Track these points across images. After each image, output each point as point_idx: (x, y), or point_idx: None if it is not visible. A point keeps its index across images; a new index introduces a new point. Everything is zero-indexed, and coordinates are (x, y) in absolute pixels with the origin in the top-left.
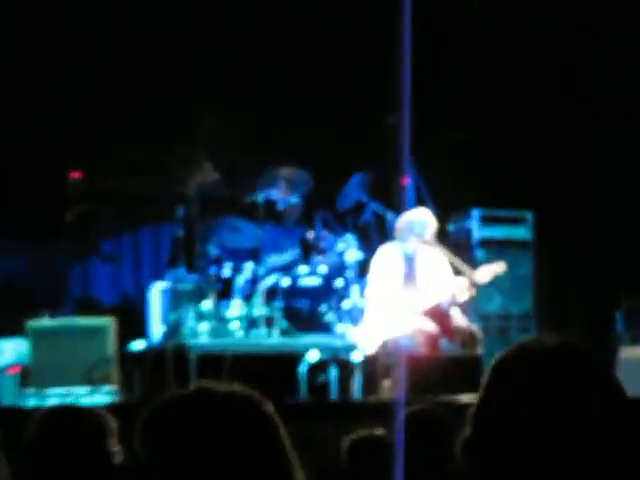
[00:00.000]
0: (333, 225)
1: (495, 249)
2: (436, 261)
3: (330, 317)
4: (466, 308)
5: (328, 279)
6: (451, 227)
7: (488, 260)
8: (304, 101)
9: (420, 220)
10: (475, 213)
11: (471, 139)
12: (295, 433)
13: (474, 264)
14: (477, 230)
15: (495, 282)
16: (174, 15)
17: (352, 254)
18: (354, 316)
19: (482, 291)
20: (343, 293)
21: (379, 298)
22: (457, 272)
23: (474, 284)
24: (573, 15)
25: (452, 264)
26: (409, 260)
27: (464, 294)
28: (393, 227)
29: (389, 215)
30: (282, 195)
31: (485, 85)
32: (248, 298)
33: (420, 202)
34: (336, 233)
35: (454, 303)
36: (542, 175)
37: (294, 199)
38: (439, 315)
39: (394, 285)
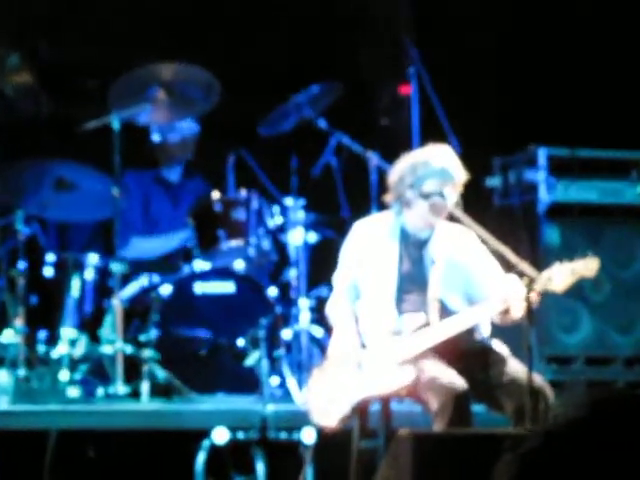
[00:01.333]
0: (260, 178)
1: (581, 226)
2: (466, 250)
3: (254, 359)
4: (524, 340)
5: (249, 284)
6: (494, 182)
7: (567, 249)
8: None
9: (434, 168)
10: (541, 155)
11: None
12: None
13: (540, 257)
14: (546, 189)
15: (582, 292)
16: None
17: (297, 236)
18: (300, 356)
19: (556, 309)
20: (280, 311)
21: (351, 320)
22: (507, 271)
23: (539, 294)
24: None
25: (496, 255)
26: (413, 249)
27: (517, 312)
28: (380, 183)
29: (373, 159)
30: (159, 118)
31: None
32: (91, 322)
33: (433, 134)
34: (265, 195)
35: (499, 328)
36: None
37: (184, 127)
38: (468, 354)
39: (382, 297)
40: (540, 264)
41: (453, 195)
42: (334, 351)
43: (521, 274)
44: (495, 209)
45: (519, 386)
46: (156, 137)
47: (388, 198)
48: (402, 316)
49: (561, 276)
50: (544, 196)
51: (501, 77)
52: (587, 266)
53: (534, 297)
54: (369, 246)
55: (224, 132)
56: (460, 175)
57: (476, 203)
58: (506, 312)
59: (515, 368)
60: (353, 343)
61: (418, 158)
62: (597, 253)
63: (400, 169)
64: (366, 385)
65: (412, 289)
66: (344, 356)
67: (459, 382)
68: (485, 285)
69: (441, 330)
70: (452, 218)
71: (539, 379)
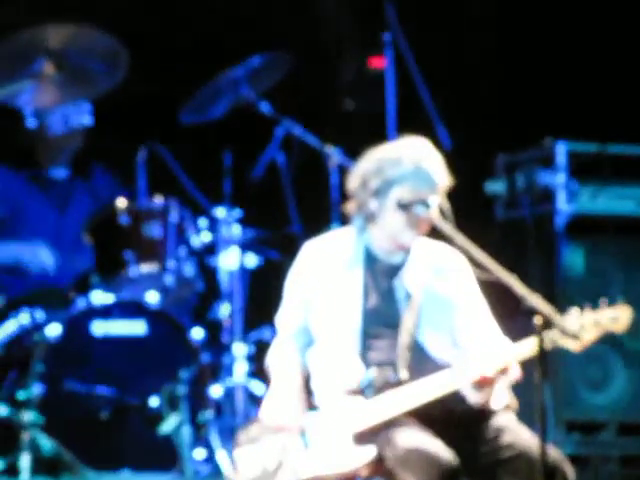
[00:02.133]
0: (181, 182)
1: (613, 246)
2: (453, 281)
3: (172, 424)
4: (536, 400)
5: (166, 324)
6: (496, 187)
7: (593, 277)
8: None
9: (407, 169)
10: (560, 151)
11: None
12: None
13: (558, 288)
14: (566, 197)
15: (615, 337)
16: None
17: (230, 259)
18: (234, 420)
19: (581, 358)
20: (207, 360)
21: (296, 373)
22: (509, 311)
23: (555, 344)
24: None
25: (498, 288)
26: (383, 277)
27: (497, 394)
28: (343, 189)
29: (333, 155)
30: (45, 99)
31: None
32: None
33: (414, 123)
34: (189, 204)
35: (497, 390)
36: None
37: (72, 110)
38: (459, 418)
39: (341, 343)
40: (557, 298)
41: (435, 204)
42: (269, 414)
43: (531, 312)
44: (498, 223)
45: (528, 463)
46: (31, 123)
47: (349, 209)
48: (368, 370)
49: (585, 323)
50: (564, 206)
51: (505, 55)
52: (616, 317)
53: (547, 343)
54: (324, 275)
55: (133, 119)
56: (443, 179)
57: (472, 215)
58: (482, 385)
59: (523, 438)
60: (295, 405)
61: (386, 155)
62: (634, 282)
63: (362, 171)
64: (312, 463)
65: (381, 332)
66: (283, 422)
67: (446, 454)
68: (465, 336)
69: (420, 390)
70: (436, 234)
71: (556, 453)
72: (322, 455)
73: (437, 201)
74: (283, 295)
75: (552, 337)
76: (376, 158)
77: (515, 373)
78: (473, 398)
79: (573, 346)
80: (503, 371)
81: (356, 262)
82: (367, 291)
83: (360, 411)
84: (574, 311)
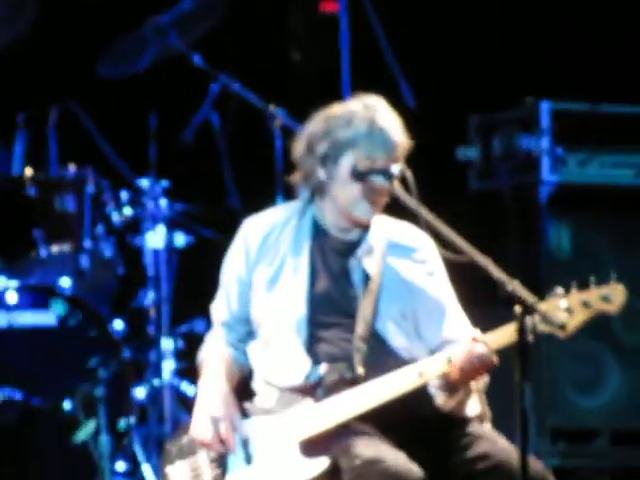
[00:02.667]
0: (99, 146)
1: (603, 222)
2: (419, 265)
3: (88, 432)
4: (516, 404)
5: (81, 314)
6: (469, 153)
7: (581, 257)
8: None
9: (359, 131)
10: (544, 111)
11: None
12: None
13: (541, 269)
14: (550, 165)
15: (609, 331)
16: None
17: (157, 237)
18: (161, 428)
19: (569, 356)
20: (129, 356)
21: (231, 372)
22: (486, 298)
23: (538, 332)
24: None
25: (472, 270)
26: (335, 257)
27: (465, 398)
28: (289, 155)
29: (278, 116)
30: None
31: None
32: None
33: (373, 79)
34: (107, 173)
35: (463, 393)
36: None
37: None
38: (425, 425)
39: (284, 335)
40: (540, 282)
41: (396, 173)
42: (200, 420)
43: (509, 298)
44: (470, 195)
45: (507, 476)
46: None
47: (295, 179)
48: (318, 366)
49: (567, 312)
50: (548, 176)
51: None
52: (609, 296)
53: (530, 335)
54: (265, 256)
55: (41, 74)
56: (403, 141)
57: (440, 186)
58: (453, 385)
59: (500, 448)
60: (230, 408)
61: (335, 115)
62: (628, 264)
63: (308, 134)
64: (257, 478)
65: (333, 321)
66: (217, 428)
67: (410, 467)
68: (430, 327)
69: (379, 388)
70: (397, 209)
71: (538, 465)
72: (266, 468)
73: (398, 169)
74: (219, 280)
75: (534, 325)
76: (324, 119)
77: (486, 376)
78: (442, 402)
79: (562, 331)
80: (479, 368)
81: (303, 240)
82: (316, 273)
83: (309, 415)
84: (559, 291)
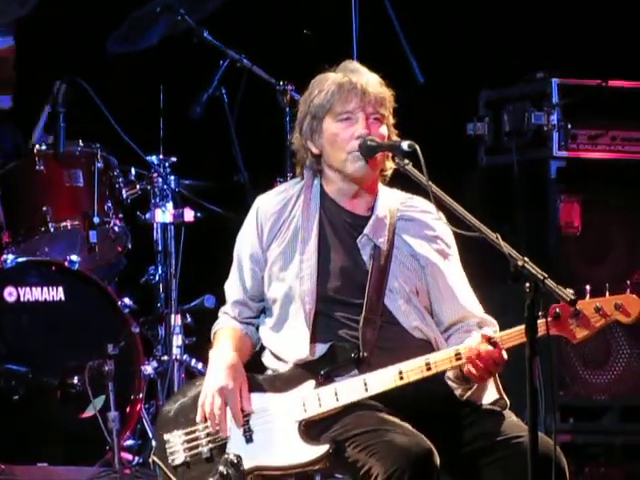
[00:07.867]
0: (108, 122)
1: (617, 200)
2: (432, 241)
3: (98, 406)
4: (527, 380)
5: (89, 289)
6: (479, 129)
7: (593, 237)
8: None
9: (332, 87)
10: (555, 87)
11: None
12: None
13: (551, 247)
14: (560, 141)
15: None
16: None
17: (166, 213)
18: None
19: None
20: (138, 332)
21: (241, 349)
22: (495, 275)
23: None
24: None
25: (482, 246)
26: (346, 232)
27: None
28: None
29: (287, 91)
30: None
31: None
32: None
33: (379, 55)
34: (116, 149)
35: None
36: None
37: None
38: (433, 402)
39: (295, 313)
40: (549, 257)
41: (404, 147)
42: (208, 392)
43: (519, 276)
44: (480, 171)
45: (516, 453)
46: None
47: (299, 165)
48: (326, 345)
49: (578, 316)
50: (557, 151)
51: None
52: (624, 306)
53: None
54: (278, 233)
55: (48, 50)
56: (378, 92)
57: (450, 161)
58: (466, 379)
59: (510, 424)
60: (238, 380)
61: (309, 90)
62: (637, 238)
63: (297, 121)
64: (256, 452)
65: (343, 297)
66: (219, 404)
67: (420, 440)
68: (441, 305)
69: (385, 377)
70: (406, 184)
71: (549, 442)
72: (265, 448)
73: (407, 144)
74: (228, 256)
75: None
76: (303, 99)
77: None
78: (458, 393)
79: (571, 337)
80: (489, 367)
81: (313, 215)
82: (326, 248)
83: (314, 394)
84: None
